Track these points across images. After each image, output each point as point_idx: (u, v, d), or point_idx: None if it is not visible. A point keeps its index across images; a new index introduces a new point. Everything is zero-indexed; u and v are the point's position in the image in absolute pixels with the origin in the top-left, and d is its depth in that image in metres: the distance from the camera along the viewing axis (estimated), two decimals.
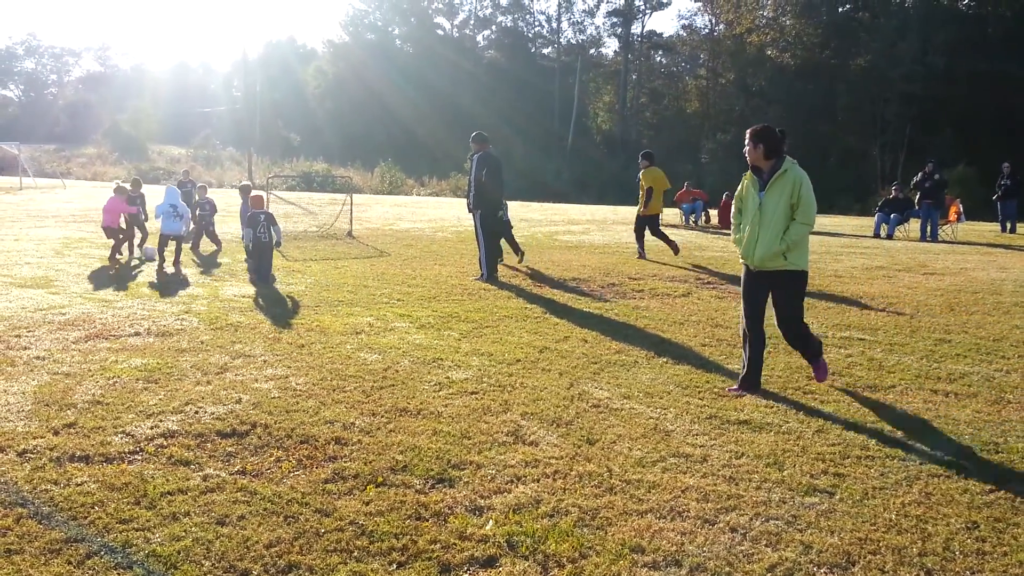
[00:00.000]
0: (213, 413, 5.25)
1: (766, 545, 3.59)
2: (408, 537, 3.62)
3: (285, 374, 6.26)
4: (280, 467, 4.40)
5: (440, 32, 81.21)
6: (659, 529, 3.73)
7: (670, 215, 25.00)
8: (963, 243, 18.14)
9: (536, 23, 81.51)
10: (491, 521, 3.79)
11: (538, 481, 4.28)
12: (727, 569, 3.38)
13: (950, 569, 3.40)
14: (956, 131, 45.11)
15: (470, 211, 12.17)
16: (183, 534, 3.59)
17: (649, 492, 4.15)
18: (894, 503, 4.03)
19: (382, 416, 5.29)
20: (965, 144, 42.77)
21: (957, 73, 45.71)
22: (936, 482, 4.32)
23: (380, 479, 4.25)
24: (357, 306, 9.22)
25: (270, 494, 4.02)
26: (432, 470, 4.39)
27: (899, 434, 5.06)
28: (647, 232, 14.24)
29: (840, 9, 56.28)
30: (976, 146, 41.72)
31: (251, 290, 10.25)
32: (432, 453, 4.62)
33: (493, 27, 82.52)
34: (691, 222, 23.40)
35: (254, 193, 12.39)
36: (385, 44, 77.96)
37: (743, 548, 3.56)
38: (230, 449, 4.66)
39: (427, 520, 3.80)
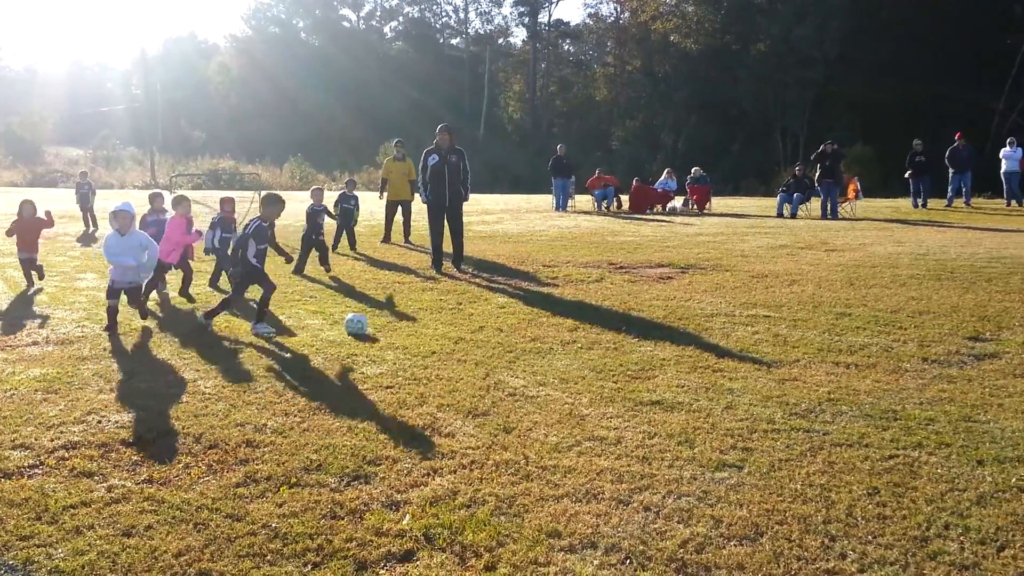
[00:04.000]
0: (117, 422, 5.08)
1: (678, 522, 3.66)
2: (323, 537, 3.57)
3: (193, 378, 6.09)
4: (189, 474, 4.29)
5: (346, 24, 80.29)
6: (575, 513, 3.76)
7: (582, 201, 25.28)
8: (862, 219, 18.81)
9: (443, 14, 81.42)
10: (408, 515, 3.77)
11: (455, 472, 4.28)
12: (641, 548, 3.43)
13: (853, 535, 3.53)
14: (853, 113, 46.67)
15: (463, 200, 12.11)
16: (87, 548, 3.47)
17: (565, 477, 4.19)
18: (799, 474, 4.16)
19: (295, 416, 5.21)
20: (862, 126, 44.28)
21: (853, 58, 47.23)
22: (839, 451, 4.47)
23: (293, 480, 4.18)
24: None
25: (178, 502, 3.91)
26: (347, 467, 4.34)
27: (803, 406, 5.22)
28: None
29: None
30: (873, 127, 43.25)
31: (154, 295, 9.94)
32: (347, 450, 4.57)
33: (400, 18, 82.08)
34: (603, 208, 23.70)
35: (154, 191, 11.90)
36: (289, 38, 76.62)
37: (656, 526, 3.63)
38: (135, 458, 4.52)
39: (342, 518, 3.76)
